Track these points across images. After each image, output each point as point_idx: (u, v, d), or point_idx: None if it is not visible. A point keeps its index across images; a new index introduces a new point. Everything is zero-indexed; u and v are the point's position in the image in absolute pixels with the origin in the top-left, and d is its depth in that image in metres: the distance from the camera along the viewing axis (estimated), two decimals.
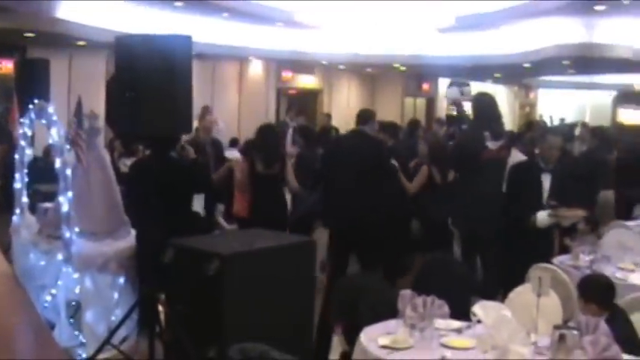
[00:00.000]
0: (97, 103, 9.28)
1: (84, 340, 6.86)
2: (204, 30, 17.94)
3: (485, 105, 8.58)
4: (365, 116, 8.77)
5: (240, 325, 5.75)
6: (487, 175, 8.04)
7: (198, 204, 9.15)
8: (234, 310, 5.86)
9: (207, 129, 10.38)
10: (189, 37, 5.94)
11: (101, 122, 7.31)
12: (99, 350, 6.09)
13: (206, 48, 17.93)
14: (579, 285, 5.65)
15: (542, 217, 7.33)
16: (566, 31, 18.49)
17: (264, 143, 8.90)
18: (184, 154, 8.72)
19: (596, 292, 5.44)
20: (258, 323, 5.77)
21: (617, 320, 5.19)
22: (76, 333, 6.95)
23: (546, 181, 7.54)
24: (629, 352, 4.48)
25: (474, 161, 8.13)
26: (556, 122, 25.24)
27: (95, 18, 15.52)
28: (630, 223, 9.48)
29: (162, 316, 6.05)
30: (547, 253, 7.27)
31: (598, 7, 15.62)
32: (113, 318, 6.83)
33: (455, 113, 16.64)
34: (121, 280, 7.07)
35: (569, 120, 26.34)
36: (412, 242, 9.24)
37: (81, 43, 16.50)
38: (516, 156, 8.75)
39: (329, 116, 20.61)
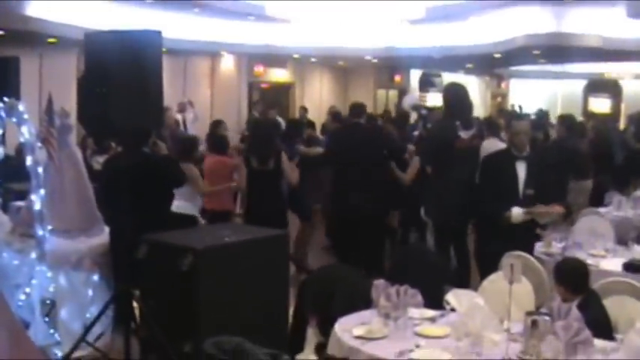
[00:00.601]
0: (68, 100, 9.20)
1: (59, 339, 6.84)
2: (175, 25, 17.85)
3: (456, 95, 8.63)
4: (359, 110, 9.39)
5: (214, 319, 5.77)
6: (460, 165, 8.09)
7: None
8: (208, 305, 5.87)
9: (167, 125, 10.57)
10: (159, 33, 5.94)
11: (73, 119, 7.28)
12: (74, 348, 6.09)
13: (177, 43, 17.85)
14: (555, 268, 5.71)
15: (517, 213, 6.96)
16: (536, 21, 18.55)
17: (257, 139, 8.97)
18: (156, 149, 8.72)
19: (570, 275, 5.50)
20: (233, 317, 5.78)
21: (591, 304, 5.25)
22: (51, 331, 6.93)
23: (521, 169, 7.14)
24: (601, 336, 4.54)
25: (447, 151, 8.18)
26: (526, 111, 25.38)
27: (65, 15, 15.40)
28: (602, 210, 9.59)
29: (137, 312, 6.06)
30: (527, 242, 7.10)
31: None
32: (88, 315, 6.82)
33: (427, 104, 16.76)
34: (96, 277, 7.06)
35: (538, 109, 26.45)
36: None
37: (51, 40, 16.37)
38: (494, 144, 8.80)
39: (305, 109, 20.67)
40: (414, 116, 15.05)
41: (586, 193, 11.53)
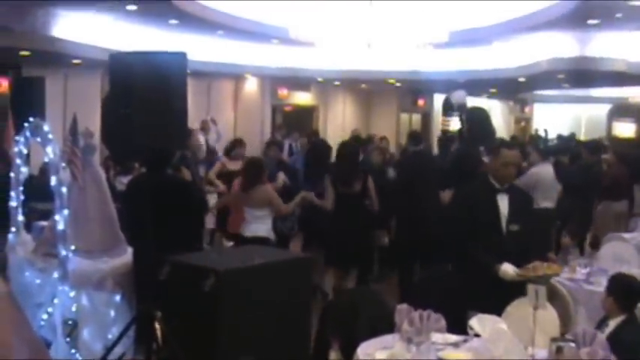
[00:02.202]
0: (92, 121, 9.25)
1: (80, 359, 6.84)
2: (200, 48, 17.97)
3: (479, 120, 8.64)
4: (418, 138, 9.12)
5: (236, 341, 5.75)
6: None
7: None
8: (230, 327, 5.84)
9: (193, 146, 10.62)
10: (184, 54, 5.96)
11: (97, 140, 7.31)
12: None
13: (201, 66, 17.96)
14: (610, 278, 5.67)
15: (507, 270, 5.96)
16: (560, 45, 18.54)
17: (341, 162, 8.96)
18: (180, 175, 8.76)
19: (625, 289, 5.47)
20: (255, 339, 5.76)
21: (633, 326, 5.22)
22: (73, 351, 6.92)
23: (503, 203, 6.27)
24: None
25: (470, 176, 8.15)
26: (551, 136, 25.37)
27: (90, 36, 15.53)
28: (626, 236, 9.51)
29: (158, 334, 6.04)
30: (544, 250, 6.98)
31: (591, 21, 15.66)
32: (110, 336, 6.81)
33: (450, 128, 16.67)
34: (118, 297, 7.06)
35: (563, 132, 26.41)
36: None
37: (76, 61, 16.50)
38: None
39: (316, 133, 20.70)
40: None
41: (617, 215, 11.47)
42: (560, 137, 24.70)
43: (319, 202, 8.95)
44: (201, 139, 17.01)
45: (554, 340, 4.42)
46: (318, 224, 9.29)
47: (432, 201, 8.69)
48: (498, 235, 6.21)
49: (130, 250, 7.30)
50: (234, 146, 11.15)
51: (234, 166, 10.60)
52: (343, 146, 9.39)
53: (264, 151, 11.25)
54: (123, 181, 10.79)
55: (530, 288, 5.08)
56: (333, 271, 9.14)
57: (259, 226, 8.51)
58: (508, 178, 6.33)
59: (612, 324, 5.44)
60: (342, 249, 8.59)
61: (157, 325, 5.99)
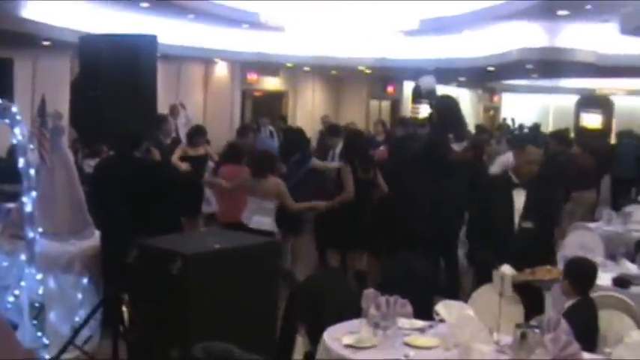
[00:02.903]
0: (61, 103, 9.18)
1: (47, 342, 6.80)
2: (170, 31, 17.88)
3: (448, 108, 8.67)
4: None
5: (203, 324, 5.75)
6: (452, 177, 8.11)
7: None
8: (197, 310, 5.86)
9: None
10: (154, 37, 5.94)
11: (65, 122, 7.28)
12: (62, 351, 6.07)
13: (171, 49, 17.88)
14: (566, 261, 5.70)
15: (505, 272, 5.48)
16: (530, 36, 18.65)
17: (359, 149, 8.94)
18: (149, 156, 8.70)
19: (577, 272, 5.52)
20: (222, 322, 5.77)
21: (584, 309, 5.28)
22: (40, 334, 6.88)
23: (519, 198, 6.17)
24: (583, 342, 4.54)
25: (440, 163, 8.19)
26: (523, 124, 25.53)
27: (60, 18, 15.41)
28: (591, 225, 9.63)
29: (126, 316, 6.04)
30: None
31: (561, 12, 15.77)
32: (77, 318, 6.80)
33: (419, 115, 16.73)
34: (85, 280, 7.04)
35: (530, 122, 26.58)
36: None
37: (46, 43, 16.39)
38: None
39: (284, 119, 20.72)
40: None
41: (588, 204, 11.61)
42: (521, 127, 24.88)
43: (336, 201, 8.83)
44: (171, 122, 16.96)
45: (518, 326, 4.47)
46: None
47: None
48: (509, 231, 6.12)
49: (97, 232, 7.28)
50: (195, 134, 11.06)
51: (195, 152, 10.57)
52: (359, 135, 9.43)
53: (237, 136, 11.09)
54: (90, 164, 10.74)
55: (496, 275, 5.13)
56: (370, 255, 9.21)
57: (264, 218, 8.40)
58: (529, 176, 6.18)
59: (567, 305, 5.50)
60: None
61: (125, 308, 5.99)
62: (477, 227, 6.52)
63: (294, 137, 11.78)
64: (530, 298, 5.71)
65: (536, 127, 23.12)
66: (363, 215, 8.62)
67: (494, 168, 11.63)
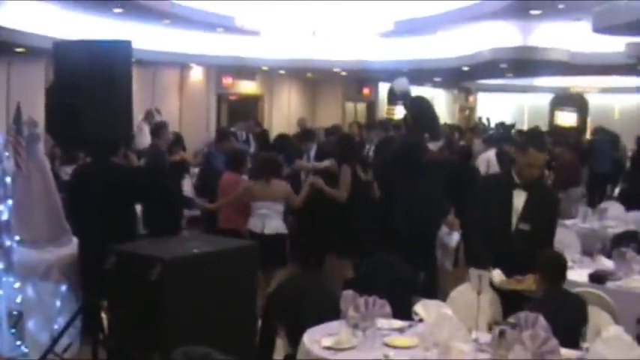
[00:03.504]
0: (36, 110, 9.13)
1: (26, 350, 6.78)
2: (145, 36, 17.84)
3: (422, 108, 8.69)
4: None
5: (183, 329, 5.75)
6: (429, 176, 8.14)
7: None
8: (176, 315, 5.85)
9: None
10: (128, 43, 5.94)
11: (41, 129, 7.25)
12: (42, 359, 6.05)
13: (146, 54, 17.84)
14: (538, 258, 5.69)
15: (494, 277, 5.71)
16: (503, 35, 18.76)
17: (357, 151, 8.95)
18: (127, 161, 8.68)
19: (547, 264, 5.52)
20: (202, 327, 5.77)
21: (554, 300, 5.29)
22: (18, 343, 6.86)
23: (519, 199, 6.02)
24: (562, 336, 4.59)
25: (416, 163, 8.22)
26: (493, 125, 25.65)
27: (34, 24, 15.35)
28: (568, 222, 9.71)
29: (105, 323, 6.03)
30: None
31: (534, 12, 15.86)
32: (56, 327, 6.77)
33: (395, 116, 16.78)
34: (63, 288, 7.01)
35: (506, 121, 26.71)
36: None
37: (20, 49, 16.31)
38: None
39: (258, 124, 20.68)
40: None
41: (577, 199, 11.70)
42: (497, 126, 25.00)
43: (329, 190, 8.81)
44: (146, 128, 16.92)
45: (496, 323, 4.51)
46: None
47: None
48: (506, 233, 5.98)
49: (75, 240, 7.26)
50: (174, 145, 10.99)
51: (170, 159, 10.54)
52: (351, 137, 9.48)
53: (215, 141, 11.03)
54: (67, 171, 10.70)
55: (473, 273, 5.16)
56: None
57: (278, 222, 8.40)
58: (529, 179, 6.01)
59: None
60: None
61: (104, 315, 5.98)
62: (473, 227, 6.40)
63: (277, 139, 11.82)
64: (509, 297, 5.72)
65: (509, 127, 23.21)
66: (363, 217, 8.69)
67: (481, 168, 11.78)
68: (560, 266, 5.55)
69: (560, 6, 15.00)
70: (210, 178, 9.80)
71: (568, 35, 18.44)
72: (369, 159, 10.61)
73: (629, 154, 18.62)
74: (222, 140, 10.70)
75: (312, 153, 10.95)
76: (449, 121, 26.92)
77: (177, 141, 11.12)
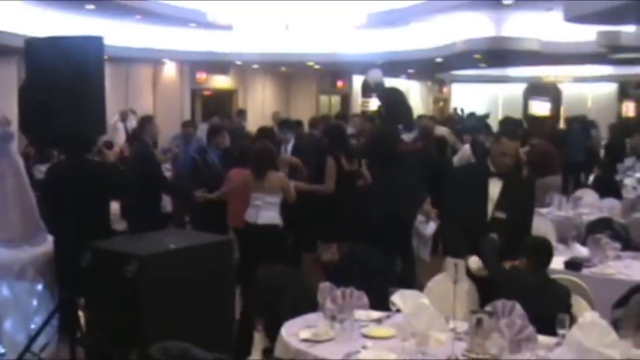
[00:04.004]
0: (9, 108, 9.13)
1: (3, 350, 6.74)
2: (117, 33, 17.78)
3: (395, 99, 8.72)
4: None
5: (161, 325, 5.74)
6: (403, 168, 8.16)
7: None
8: (154, 311, 5.85)
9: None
10: (100, 39, 5.91)
11: (14, 128, 7.21)
12: (19, 359, 6.01)
13: (119, 51, 17.77)
14: (523, 243, 5.72)
15: (470, 264, 5.76)
16: (476, 26, 18.82)
17: (342, 141, 8.91)
18: (102, 157, 8.64)
19: (532, 248, 5.56)
20: (179, 323, 5.77)
21: (538, 286, 5.32)
22: None
23: (495, 188, 6.03)
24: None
25: (390, 154, 8.24)
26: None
27: (5, 22, 15.25)
28: (543, 210, 9.76)
29: (82, 321, 6.01)
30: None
31: (506, 2, 15.92)
32: (33, 326, 6.73)
33: (369, 109, 16.83)
34: (40, 286, 6.98)
35: (480, 112, 26.80)
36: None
37: None
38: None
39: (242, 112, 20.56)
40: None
41: (554, 188, 11.77)
42: (469, 117, 25.09)
43: (314, 187, 8.87)
44: (121, 127, 16.88)
45: (473, 312, 4.53)
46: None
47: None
48: (481, 221, 5.97)
49: (50, 238, 7.22)
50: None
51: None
52: (339, 127, 9.48)
53: (209, 136, 10.74)
54: (42, 169, 10.64)
55: (449, 262, 5.18)
56: None
57: (272, 213, 8.28)
58: (503, 168, 6.02)
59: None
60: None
61: (81, 313, 5.96)
62: (449, 216, 6.41)
63: (260, 132, 11.77)
64: (485, 284, 5.74)
65: (483, 117, 23.26)
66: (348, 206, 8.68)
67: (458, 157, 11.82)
68: (547, 252, 5.60)
69: None
70: (205, 173, 9.71)
71: (540, 25, 18.54)
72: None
73: (603, 142, 18.76)
74: (216, 135, 10.46)
75: (290, 145, 10.86)
76: (423, 112, 26.98)
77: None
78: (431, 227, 8.79)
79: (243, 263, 8.00)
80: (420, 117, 17.22)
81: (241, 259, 8.13)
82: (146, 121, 9.82)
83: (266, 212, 8.22)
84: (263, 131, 10.90)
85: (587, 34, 17.69)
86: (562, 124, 24.30)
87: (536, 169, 11.34)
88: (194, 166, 9.93)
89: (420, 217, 8.73)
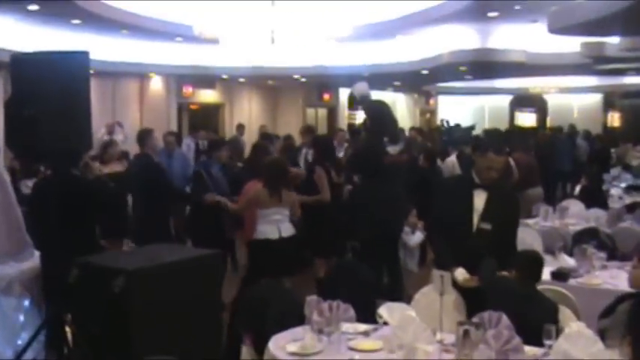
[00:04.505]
0: None
1: None
2: (103, 47, 17.77)
3: (380, 112, 8.75)
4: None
5: (148, 340, 5.72)
6: (389, 180, 8.18)
7: None
8: (141, 326, 5.82)
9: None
10: (86, 53, 5.91)
11: (0, 142, 7.20)
12: None
13: (105, 65, 17.77)
14: (515, 256, 5.77)
15: (457, 275, 5.78)
16: (462, 38, 18.89)
17: (331, 154, 8.92)
18: (88, 171, 8.61)
19: (524, 262, 5.60)
20: (167, 337, 5.75)
21: (527, 299, 5.35)
22: None
23: (479, 199, 6.07)
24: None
25: (375, 167, 8.27)
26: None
27: None
28: (529, 221, 9.80)
29: (69, 337, 5.99)
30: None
31: (491, 14, 15.99)
32: (19, 342, 6.69)
33: (356, 121, 16.87)
34: (26, 302, 6.94)
35: (467, 123, 26.88)
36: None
37: None
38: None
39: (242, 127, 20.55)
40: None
41: (533, 200, 11.82)
42: (453, 129, 25.19)
43: (313, 198, 8.87)
44: (107, 139, 16.80)
45: (461, 323, 4.54)
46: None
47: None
48: (466, 232, 6.02)
49: (37, 253, 7.20)
50: (105, 149, 10.61)
51: (110, 169, 9.94)
52: (329, 140, 9.55)
53: (209, 150, 10.56)
54: (28, 184, 10.60)
55: (435, 274, 5.19)
56: None
57: (289, 224, 8.25)
58: (488, 181, 6.07)
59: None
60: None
61: (68, 329, 5.94)
62: (435, 228, 6.43)
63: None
64: (472, 296, 5.75)
65: (469, 129, 23.35)
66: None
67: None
68: (538, 266, 5.64)
69: (517, 7, 15.15)
70: (211, 187, 9.40)
71: (525, 37, 18.63)
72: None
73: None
74: (218, 149, 10.30)
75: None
76: (409, 125, 27.04)
77: (108, 146, 10.76)
78: (416, 238, 8.82)
79: (256, 275, 7.91)
80: (411, 129, 17.31)
81: (255, 272, 8.01)
82: (145, 134, 9.78)
83: (286, 225, 8.20)
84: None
85: (572, 45, 17.80)
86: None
87: (517, 183, 11.40)
88: (198, 180, 9.77)
89: (405, 229, 8.76)
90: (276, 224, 8.16)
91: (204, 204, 8.96)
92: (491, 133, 16.00)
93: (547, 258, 7.56)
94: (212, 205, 8.78)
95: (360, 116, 15.93)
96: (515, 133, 24.73)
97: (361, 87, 11.48)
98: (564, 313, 5.51)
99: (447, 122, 26.57)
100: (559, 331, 4.72)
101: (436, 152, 13.07)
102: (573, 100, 32.73)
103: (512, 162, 11.75)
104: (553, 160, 16.32)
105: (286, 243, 8.11)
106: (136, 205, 9.34)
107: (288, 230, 8.17)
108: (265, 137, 12.85)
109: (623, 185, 14.48)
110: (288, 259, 7.98)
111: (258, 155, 9.44)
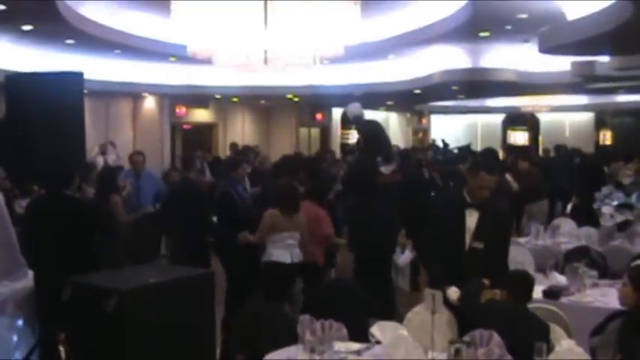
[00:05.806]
0: None
1: None
2: (97, 67, 17.81)
3: (373, 131, 8.79)
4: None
5: (142, 359, 5.74)
6: (382, 199, 8.21)
7: None
8: (135, 346, 5.82)
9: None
10: (80, 74, 5.95)
11: None
12: None
13: (99, 85, 17.81)
14: (506, 276, 5.80)
15: (450, 294, 5.77)
16: (453, 57, 18.98)
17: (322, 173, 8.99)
18: (82, 193, 8.63)
19: (515, 281, 5.62)
20: (161, 357, 5.76)
21: (518, 319, 5.36)
22: None
23: (471, 218, 6.07)
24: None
25: (368, 186, 8.30)
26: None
27: None
28: (521, 240, 9.83)
29: (63, 356, 5.99)
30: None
31: (482, 34, 16.09)
32: None
33: (349, 141, 16.92)
34: (20, 321, 6.95)
35: (459, 142, 26.99)
36: None
37: None
38: None
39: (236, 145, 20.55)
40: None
41: (542, 213, 11.89)
42: (443, 149, 25.29)
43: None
44: (100, 160, 16.82)
45: (452, 342, 4.56)
46: None
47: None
48: (459, 251, 6.01)
49: (30, 273, 7.21)
50: (87, 173, 10.47)
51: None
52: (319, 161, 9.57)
53: (229, 170, 10.41)
54: (22, 204, 10.60)
55: (427, 293, 5.22)
56: None
57: (299, 251, 8.29)
58: (480, 199, 6.04)
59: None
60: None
61: (61, 348, 5.94)
62: (426, 247, 6.44)
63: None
64: (465, 314, 5.77)
65: (465, 148, 23.43)
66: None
67: None
68: (528, 286, 5.66)
69: (508, 27, 15.24)
70: (237, 208, 9.28)
71: (516, 56, 18.74)
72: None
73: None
74: (236, 168, 10.14)
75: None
76: (402, 144, 27.09)
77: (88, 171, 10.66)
78: (406, 257, 8.82)
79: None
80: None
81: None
82: (191, 161, 9.75)
83: (297, 251, 8.23)
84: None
85: (563, 64, 17.91)
86: (541, 152, 24.57)
87: (523, 193, 11.47)
88: (229, 201, 9.55)
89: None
90: (289, 249, 8.20)
91: (240, 245, 8.87)
92: (486, 153, 16.08)
93: (538, 276, 7.60)
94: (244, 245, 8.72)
95: (353, 136, 16.01)
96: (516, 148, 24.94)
97: (354, 108, 11.55)
98: (555, 331, 5.54)
99: (443, 142, 26.68)
100: (550, 349, 4.75)
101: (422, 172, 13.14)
102: (565, 119, 32.86)
103: (509, 177, 11.81)
104: (554, 178, 16.40)
105: (295, 269, 8.17)
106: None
107: (298, 256, 8.22)
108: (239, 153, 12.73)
109: (614, 203, 14.50)
110: (290, 284, 8.02)
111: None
